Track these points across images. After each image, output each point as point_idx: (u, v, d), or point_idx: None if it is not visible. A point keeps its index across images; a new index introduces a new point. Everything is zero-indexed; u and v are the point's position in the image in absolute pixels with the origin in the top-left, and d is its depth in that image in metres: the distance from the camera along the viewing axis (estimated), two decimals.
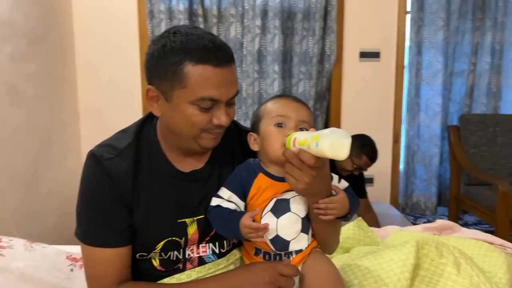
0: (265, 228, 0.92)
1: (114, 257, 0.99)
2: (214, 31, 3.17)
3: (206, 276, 1.05)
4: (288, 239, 0.99)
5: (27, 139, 2.38)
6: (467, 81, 3.37)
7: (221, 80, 0.93)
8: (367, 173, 3.43)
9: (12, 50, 2.21)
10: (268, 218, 0.99)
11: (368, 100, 3.37)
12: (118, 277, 1.00)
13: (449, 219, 3.33)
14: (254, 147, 1.05)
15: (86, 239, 1.00)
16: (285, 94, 1.10)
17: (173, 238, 1.02)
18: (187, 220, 1.03)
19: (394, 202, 3.49)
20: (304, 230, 1.01)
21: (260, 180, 1.01)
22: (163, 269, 1.05)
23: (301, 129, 0.98)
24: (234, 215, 0.96)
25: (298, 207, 1.00)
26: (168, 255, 1.04)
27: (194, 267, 1.06)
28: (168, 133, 1.02)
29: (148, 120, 1.09)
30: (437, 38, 3.27)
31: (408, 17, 3.30)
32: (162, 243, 1.02)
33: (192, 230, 1.04)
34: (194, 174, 1.05)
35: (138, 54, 3.15)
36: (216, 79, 0.93)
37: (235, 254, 1.11)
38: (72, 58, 3.07)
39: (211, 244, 1.07)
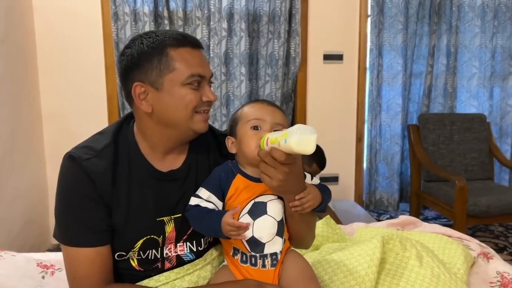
0: (247, 227, 0.96)
1: (96, 256, 1.00)
2: None
3: (185, 276, 1.08)
4: (264, 241, 1.03)
5: None
6: (425, 82, 3.52)
7: (201, 59, 1.04)
8: (332, 172, 3.55)
9: None
10: (245, 220, 1.03)
11: (332, 101, 3.47)
12: (102, 277, 1.01)
13: (411, 215, 3.48)
14: (232, 150, 1.10)
15: (67, 240, 1.02)
16: (261, 99, 1.17)
17: (152, 236, 1.05)
18: (165, 218, 1.07)
19: (358, 199, 3.60)
20: (279, 233, 1.05)
21: (238, 181, 1.05)
22: (141, 269, 1.07)
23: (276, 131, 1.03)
24: (214, 214, 1.00)
25: (274, 210, 1.05)
26: (146, 254, 1.06)
27: (172, 266, 1.09)
28: (158, 128, 1.05)
29: (126, 122, 1.12)
30: (397, 41, 3.41)
31: (369, 20, 3.42)
32: (140, 241, 1.04)
33: (170, 228, 1.07)
34: (172, 173, 1.09)
35: (102, 57, 3.12)
36: (197, 58, 1.03)
37: (212, 253, 1.14)
38: (34, 61, 3.00)
39: (188, 243, 1.10)
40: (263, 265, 1.04)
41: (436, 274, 1.24)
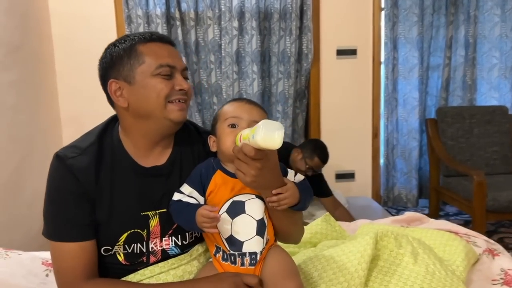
0: (218, 218, 0.98)
1: (79, 250, 1.04)
2: (192, 34, 3.21)
3: (170, 270, 1.10)
4: (242, 240, 1.04)
5: (8, 148, 2.41)
6: (442, 75, 3.43)
7: (170, 52, 1.09)
8: (348, 168, 3.52)
9: None
10: (224, 218, 1.04)
11: (346, 97, 3.43)
12: (85, 271, 1.05)
13: (430, 211, 3.42)
14: (213, 148, 1.12)
15: (52, 235, 1.06)
16: (240, 98, 1.20)
17: (136, 230, 1.08)
18: (149, 213, 1.09)
19: (375, 196, 3.55)
20: (259, 233, 1.05)
21: (218, 177, 1.07)
22: (127, 263, 1.10)
23: None
24: (191, 207, 1.02)
25: (253, 209, 1.05)
26: (131, 248, 1.09)
27: (158, 260, 1.11)
28: (137, 123, 1.08)
29: (112, 123, 1.16)
30: (412, 34, 3.34)
31: (383, 13, 3.36)
32: (125, 235, 1.07)
33: (154, 222, 1.09)
34: (155, 169, 1.11)
35: None
36: (166, 51, 1.09)
37: (198, 249, 1.16)
38: (51, 66, 3.10)
39: (173, 237, 1.12)
40: (242, 264, 1.05)
41: (431, 271, 1.22)
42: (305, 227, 1.63)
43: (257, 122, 1.04)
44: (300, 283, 1.03)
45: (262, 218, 1.07)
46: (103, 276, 1.10)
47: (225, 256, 1.07)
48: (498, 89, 3.49)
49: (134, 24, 3.13)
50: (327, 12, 3.32)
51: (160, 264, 1.11)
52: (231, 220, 1.04)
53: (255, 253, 1.05)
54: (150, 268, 1.10)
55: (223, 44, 3.20)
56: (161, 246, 1.11)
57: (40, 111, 2.86)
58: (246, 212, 1.05)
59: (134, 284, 1.09)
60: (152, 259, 1.11)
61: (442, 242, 1.46)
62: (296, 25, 3.22)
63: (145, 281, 1.09)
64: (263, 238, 1.06)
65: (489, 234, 3.03)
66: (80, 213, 1.05)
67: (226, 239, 1.05)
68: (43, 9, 3.02)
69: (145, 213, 1.09)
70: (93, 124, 1.18)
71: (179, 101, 1.07)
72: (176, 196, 1.07)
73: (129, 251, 1.09)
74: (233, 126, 1.06)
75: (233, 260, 1.06)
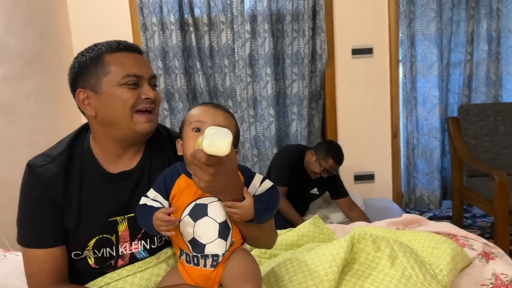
0: (174, 222, 0.99)
1: (46, 257, 1.08)
2: (206, 39, 3.25)
3: (137, 273, 1.13)
4: (204, 243, 1.05)
5: (27, 154, 2.52)
6: (464, 71, 3.30)
7: (137, 61, 1.11)
8: (368, 169, 3.45)
9: (5, 71, 2.37)
10: (186, 221, 1.05)
11: (363, 97, 3.36)
12: (52, 276, 1.09)
13: (453, 212, 3.31)
14: (180, 152, 1.13)
15: (22, 241, 1.11)
16: (207, 102, 1.21)
17: (104, 235, 1.11)
18: (118, 218, 1.12)
19: (396, 197, 3.46)
20: (222, 236, 1.06)
21: (181, 181, 1.08)
22: (97, 267, 1.13)
23: None
24: (152, 211, 1.04)
25: (215, 212, 1.06)
26: (101, 252, 1.12)
27: (126, 263, 1.14)
28: (104, 131, 1.11)
29: (83, 132, 1.19)
30: (430, 30, 3.23)
31: (399, 10, 3.27)
32: (93, 240, 1.10)
33: (123, 227, 1.12)
34: (123, 175, 1.14)
35: None
36: (132, 60, 1.10)
37: (166, 252, 1.17)
38: None
39: (142, 241, 1.14)
40: (205, 265, 1.06)
41: (407, 275, 1.18)
42: (292, 229, 1.62)
43: (221, 126, 1.05)
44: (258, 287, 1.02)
45: (225, 221, 1.07)
46: (75, 279, 1.14)
47: (188, 258, 1.08)
48: None
49: (149, 31, 3.21)
50: (341, 11, 3.27)
51: (127, 267, 1.13)
52: (194, 222, 1.05)
53: (217, 255, 1.06)
54: (117, 271, 1.13)
55: (236, 48, 3.23)
56: (131, 250, 1.14)
57: (60, 118, 2.99)
58: (209, 215, 1.06)
59: None
60: (120, 262, 1.14)
61: (431, 245, 1.41)
62: (309, 26, 3.20)
63: (112, 284, 1.12)
64: (226, 240, 1.07)
65: None
66: (47, 220, 1.09)
67: (189, 242, 1.07)
68: (63, 20, 3.16)
69: (114, 218, 1.12)
70: None
71: (145, 110, 1.09)
72: (142, 200, 1.09)
73: (99, 255, 1.12)
74: (197, 130, 1.06)
75: (196, 262, 1.07)
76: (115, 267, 1.13)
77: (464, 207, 3.39)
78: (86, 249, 1.11)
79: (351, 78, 3.34)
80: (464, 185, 3.21)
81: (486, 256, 1.44)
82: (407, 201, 3.48)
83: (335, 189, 2.85)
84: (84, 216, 1.10)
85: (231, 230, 1.08)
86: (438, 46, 3.24)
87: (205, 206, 1.06)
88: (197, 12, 3.23)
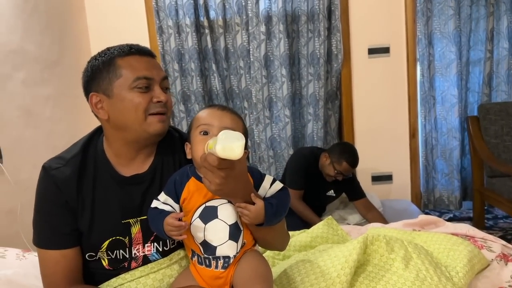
0: (185, 226, 0.99)
1: (61, 258, 1.10)
2: (221, 40, 3.27)
3: (150, 274, 1.14)
4: (215, 245, 1.05)
5: (46, 157, 2.57)
6: (484, 69, 3.23)
7: (148, 64, 1.11)
8: (385, 170, 3.41)
9: (24, 76, 2.42)
10: (197, 224, 1.06)
11: (380, 96, 3.33)
12: (67, 277, 1.10)
13: (474, 213, 3.24)
14: (189, 155, 1.13)
15: (37, 242, 1.14)
16: (214, 104, 1.20)
17: (118, 237, 1.12)
18: (131, 220, 1.13)
19: (415, 198, 3.41)
20: (232, 237, 1.06)
21: (191, 184, 1.09)
22: (111, 268, 1.14)
23: None
24: (162, 215, 1.04)
25: (225, 214, 1.06)
26: (114, 254, 1.13)
27: (139, 265, 1.15)
28: (117, 134, 1.12)
29: (96, 134, 1.21)
30: (448, 28, 3.18)
31: (416, 8, 3.22)
32: (107, 242, 1.12)
33: (136, 229, 1.13)
34: (136, 178, 1.15)
35: None
36: (144, 63, 1.11)
37: (179, 253, 1.18)
38: None
39: (155, 243, 1.15)
40: (216, 266, 1.06)
41: (422, 277, 1.16)
42: (306, 230, 1.61)
43: (227, 129, 1.05)
44: None
45: (236, 223, 1.07)
46: (89, 280, 1.15)
47: (200, 260, 1.08)
48: None
49: (166, 34, 3.23)
50: (357, 10, 3.24)
51: (140, 268, 1.14)
52: (204, 225, 1.05)
53: (228, 257, 1.06)
54: (130, 272, 1.14)
55: (251, 49, 3.23)
56: (143, 252, 1.15)
57: (78, 122, 3.04)
58: (219, 217, 1.06)
59: None
60: (133, 264, 1.15)
61: (447, 246, 1.38)
62: (325, 26, 3.18)
63: (125, 285, 1.13)
64: (237, 242, 1.07)
65: None
66: (61, 222, 1.10)
67: (200, 244, 1.07)
68: (81, 25, 3.22)
69: (126, 220, 1.13)
70: None
71: (158, 113, 1.09)
72: (153, 204, 1.09)
73: (112, 256, 1.13)
74: (205, 133, 1.07)
75: (207, 263, 1.07)
76: (128, 269, 1.14)
77: (485, 208, 3.32)
78: (100, 250, 1.12)
79: (368, 78, 3.31)
80: (485, 186, 3.15)
81: (505, 258, 1.41)
82: (426, 202, 3.42)
83: (352, 191, 2.82)
84: (97, 218, 1.11)
85: (242, 231, 1.08)
86: (457, 44, 3.18)
87: (215, 209, 1.06)
88: (212, 14, 3.24)
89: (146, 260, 1.15)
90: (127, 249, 1.13)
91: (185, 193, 1.08)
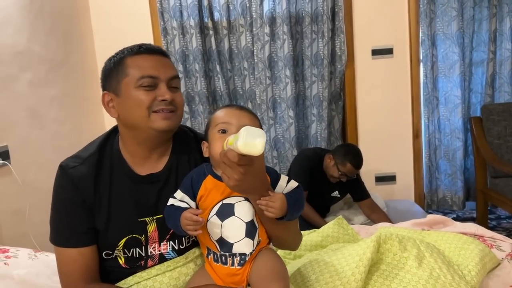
0: (202, 222, 1.00)
1: (78, 256, 1.11)
2: (225, 42, 3.28)
3: (166, 272, 1.15)
4: (232, 242, 1.06)
5: (52, 158, 2.57)
6: (487, 70, 3.25)
7: (156, 63, 1.11)
8: (389, 171, 3.42)
9: (31, 77, 2.43)
10: (213, 221, 1.07)
11: (384, 97, 3.34)
12: (84, 275, 1.11)
13: (477, 213, 3.25)
14: (206, 153, 1.14)
15: (55, 240, 1.15)
16: (231, 104, 1.20)
17: (134, 235, 1.13)
18: (147, 218, 1.14)
19: (418, 199, 3.42)
20: (249, 235, 1.07)
21: (208, 182, 1.10)
22: (127, 267, 1.15)
23: None
24: (179, 211, 1.05)
25: (242, 212, 1.07)
26: (131, 252, 1.14)
27: (155, 263, 1.16)
28: (129, 133, 1.14)
29: (113, 133, 1.22)
30: (451, 29, 3.20)
31: (419, 10, 3.24)
32: (123, 240, 1.13)
33: (152, 228, 1.14)
34: (151, 177, 1.16)
35: None
36: (152, 62, 1.11)
37: (194, 252, 1.19)
38: (95, 79, 3.28)
39: (171, 242, 1.16)
40: (232, 264, 1.07)
41: (436, 275, 1.17)
42: (317, 230, 1.62)
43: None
44: (285, 287, 1.02)
45: (252, 220, 1.08)
46: (105, 279, 1.16)
47: (216, 257, 1.09)
48: None
49: (170, 35, 3.24)
50: (360, 12, 3.26)
51: (156, 267, 1.15)
52: (221, 222, 1.06)
53: (244, 254, 1.07)
54: (147, 270, 1.15)
55: (255, 50, 3.24)
56: (159, 251, 1.16)
57: (84, 122, 3.04)
58: (236, 215, 1.07)
59: None
60: (150, 263, 1.16)
61: (458, 245, 1.39)
62: (328, 27, 3.19)
63: (142, 283, 1.14)
64: (253, 240, 1.08)
65: None
66: (78, 221, 1.11)
67: (216, 241, 1.08)
68: (86, 26, 3.22)
69: (143, 219, 1.14)
70: None
71: (162, 111, 1.10)
72: (169, 201, 1.10)
73: (129, 255, 1.14)
74: (223, 131, 1.08)
75: (224, 260, 1.08)
76: (145, 267, 1.15)
77: (489, 208, 3.33)
78: (117, 249, 1.13)
79: (371, 79, 3.32)
80: (488, 186, 3.16)
81: None
82: (430, 202, 3.43)
83: (356, 192, 2.83)
84: (113, 217, 1.12)
85: (257, 229, 1.09)
86: (460, 45, 3.20)
87: (232, 206, 1.07)
88: (216, 15, 3.25)
89: (162, 259, 1.16)
90: (143, 247, 1.14)
91: (202, 191, 1.09)
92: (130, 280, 1.14)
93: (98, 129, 3.26)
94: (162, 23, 3.23)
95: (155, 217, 1.14)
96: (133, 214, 1.13)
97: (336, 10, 3.20)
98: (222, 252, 1.07)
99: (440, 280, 1.16)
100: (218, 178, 1.09)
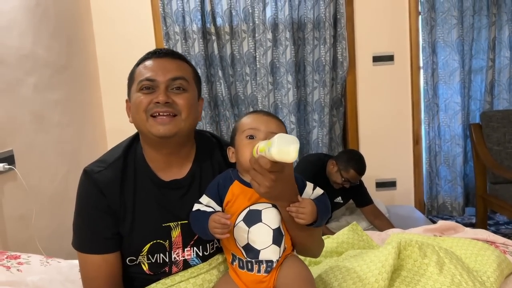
0: (230, 225, 1.00)
1: (102, 262, 1.10)
2: (228, 47, 3.28)
3: (190, 279, 1.14)
4: (259, 248, 1.06)
5: (56, 162, 2.56)
6: (486, 78, 3.30)
7: (158, 65, 1.11)
8: (389, 176, 3.44)
9: (35, 81, 2.41)
10: (240, 227, 1.06)
11: (384, 104, 3.37)
12: (108, 281, 1.10)
13: (477, 219, 3.28)
14: (232, 159, 1.14)
15: (78, 246, 1.14)
16: (257, 110, 1.20)
17: (158, 241, 1.13)
18: (171, 224, 1.14)
19: (418, 204, 3.45)
20: (276, 242, 1.07)
21: (235, 187, 1.10)
22: (151, 273, 1.15)
23: None
24: (207, 214, 1.05)
25: (269, 218, 1.07)
26: (155, 258, 1.13)
27: (179, 270, 1.15)
28: (143, 138, 1.16)
29: (137, 138, 1.21)
30: (451, 37, 3.24)
31: (420, 17, 3.28)
32: (147, 246, 1.12)
33: (176, 233, 1.13)
34: (174, 183, 1.15)
35: None
36: (153, 65, 1.11)
37: (218, 258, 1.18)
38: (96, 83, 3.27)
39: (195, 248, 1.16)
40: (259, 270, 1.06)
41: (457, 282, 1.18)
42: (331, 236, 1.63)
43: (274, 133, 1.06)
44: None
45: (279, 227, 1.08)
46: (129, 286, 1.15)
47: (241, 264, 1.09)
48: None
49: (172, 40, 3.24)
50: (362, 19, 3.29)
51: (180, 273, 1.14)
52: (248, 228, 1.06)
53: (271, 261, 1.07)
54: (171, 277, 1.14)
55: (257, 56, 3.25)
56: (183, 257, 1.15)
57: (86, 126, 3.02)
58: (263, 221, 1.07)
59: None
60: (174, 269, 1.15)
61: (474, 252, 1.40)
62: (330, 33, 3.22)
63: None
64: (279, 247, 1.08)
65: None
66: (103, 227, 1.10)
67: (243, 247, 1.07)
68: (88, 30, 3.21)
69: (167, 224, 1.13)
70: None
71: (159, 114, 1.08)
72: (195, 206, 1.10)
73: (153, 261, 1.13)
74: (251, 137, 1.08)
75: (250, 267, 1.08)
76: (169, 274, 1.15)
77: (487, 214, 3.37)
78: (141, 254, 1.12)
79: (372, 85, 3.35)
80: (488, 192, 3.19)
81: None
82: (430, 208, 3.46)
83: (359, 197, 2.84)
84: (138, 222, 1.12)
85: (284, 236, 1.09)
86: (460, 52, 3.25)
87: (259, 212, 1.07)
88: (219, 21, 3.26)
89: (186, 265, 1.15)
90: (167, 253, 1.14)
91: (229, 196, 1.09)
92: (154, 287, 1.14)
93: (99, 133, 3.24)
94: (164, 28, 3.22)
95: (179, 222, 1.14)
96: (158, 219, 1.13)
97: (338, 17, 3.22)
98: (248, 259, 1.07)
99: (462, 286, 1.17)
100: (245, 183, 1.08)
